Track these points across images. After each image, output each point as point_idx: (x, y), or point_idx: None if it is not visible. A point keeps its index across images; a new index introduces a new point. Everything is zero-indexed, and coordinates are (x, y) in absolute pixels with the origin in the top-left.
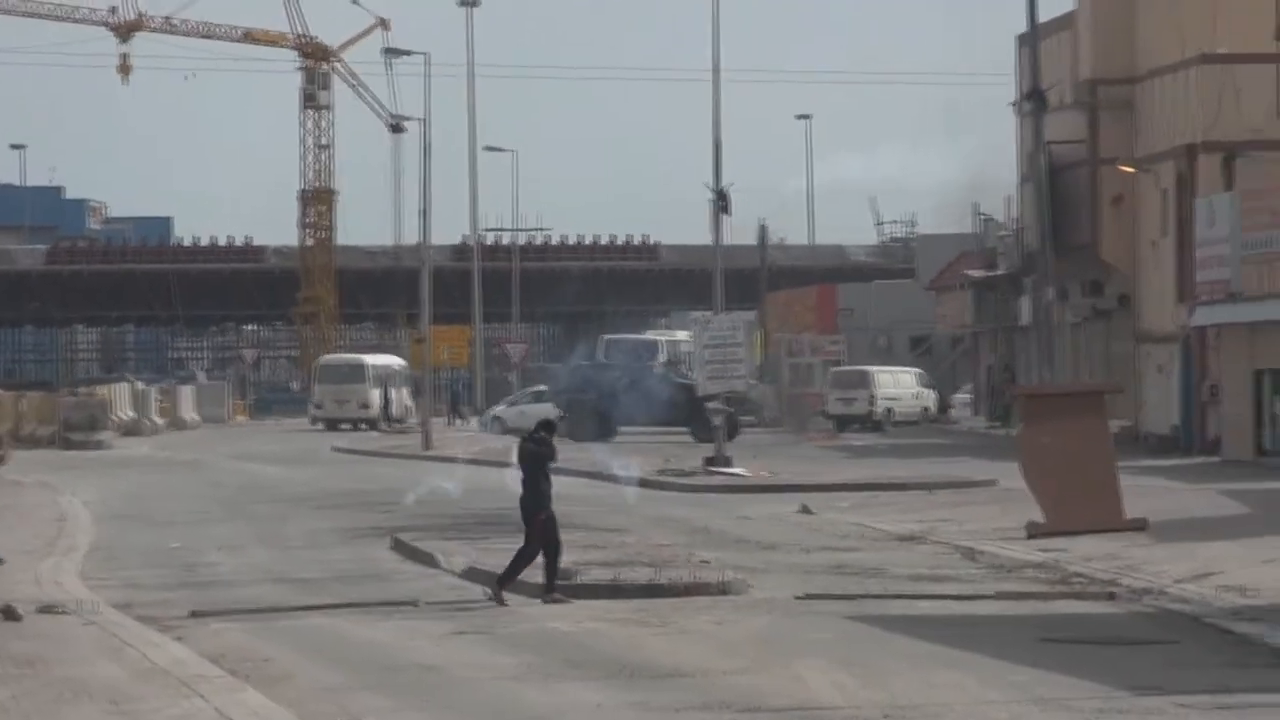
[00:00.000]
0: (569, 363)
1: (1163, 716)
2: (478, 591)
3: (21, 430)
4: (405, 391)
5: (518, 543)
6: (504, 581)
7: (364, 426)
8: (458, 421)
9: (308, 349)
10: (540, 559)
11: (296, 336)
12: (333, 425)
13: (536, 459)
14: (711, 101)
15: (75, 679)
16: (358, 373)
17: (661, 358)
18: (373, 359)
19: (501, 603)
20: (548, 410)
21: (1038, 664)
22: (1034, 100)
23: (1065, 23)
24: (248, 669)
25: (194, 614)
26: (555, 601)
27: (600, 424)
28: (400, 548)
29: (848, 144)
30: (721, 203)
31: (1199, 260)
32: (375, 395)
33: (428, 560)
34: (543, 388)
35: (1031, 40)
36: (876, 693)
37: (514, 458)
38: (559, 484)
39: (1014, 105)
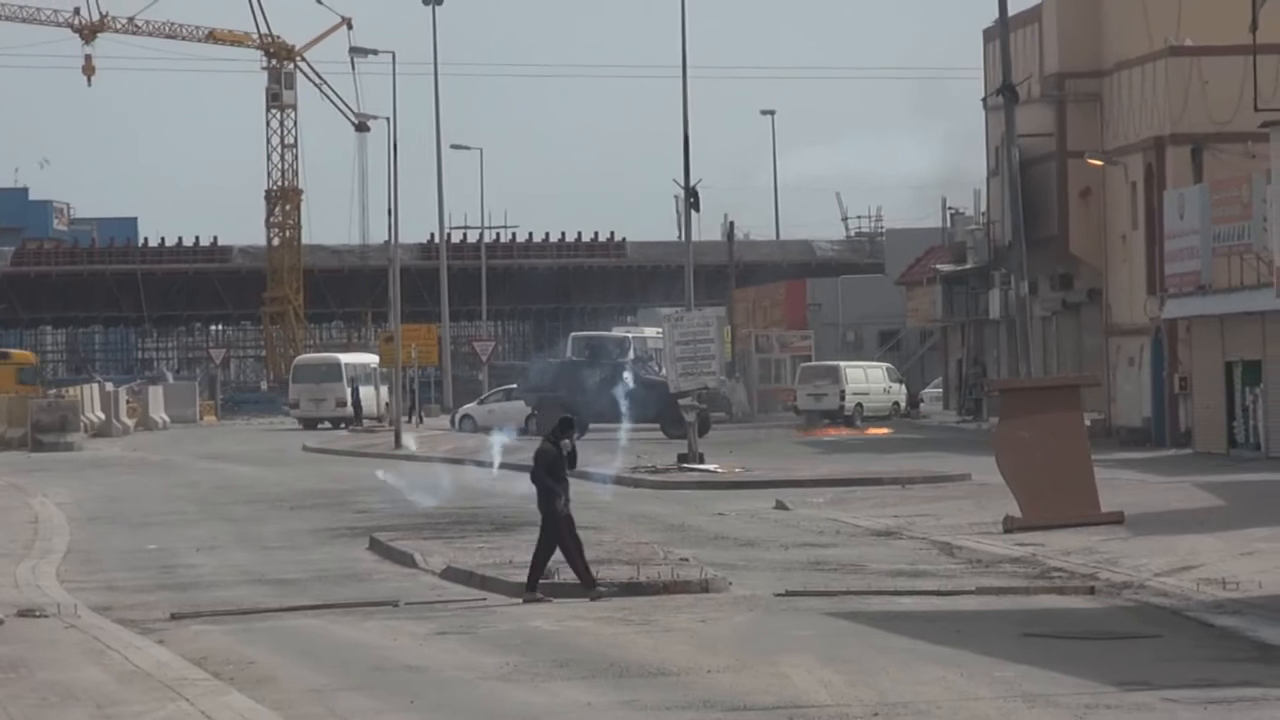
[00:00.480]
0: (538, 360)
1: (1151, 712)
2: (457, 591)
3: None
4: (385, 390)
5: (494, 541)
6: (531, 583)
7: (342, 425)
8: (415, 420)
9: (275, 348)
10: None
11: (264, 336)
12: (311, 424)
13: (555, 458)
14: (681, 98)
15: (59, 683)
16: (334, 371)
17: (630, 355)
18: (348, 357)
19: (540, 600)
20: (519, 409)
21: (1023, 659)
22: (1004, 94)
23: (1032, 16)
24: (231, 671)
25: (174, 616)
26: (535, 601)
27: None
28: (378, 548)
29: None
30: (691, 200)
31: (1169, 253)
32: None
33: (406, 560)
34: (513, 385)
35: (1001, 34)
36: (864, 690)
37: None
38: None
39: (984, 100)
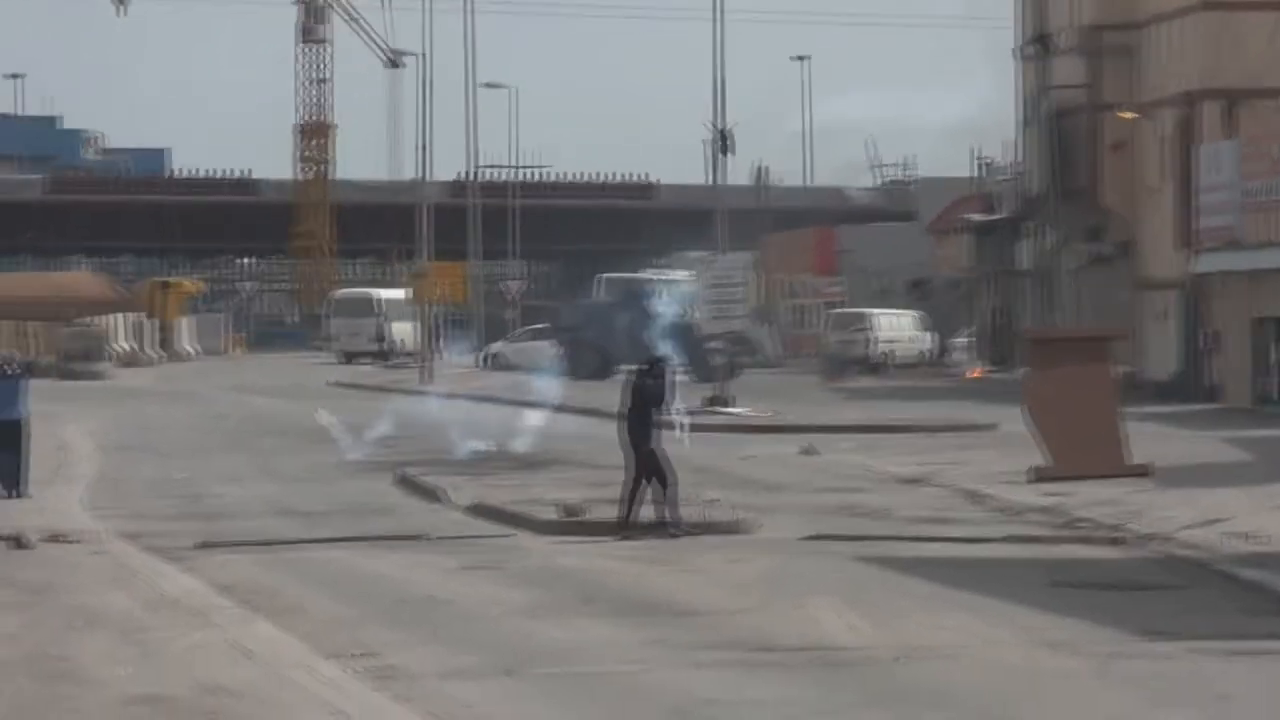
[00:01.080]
0: (569, 301)
1: (1175, 662)
2: (484, 527)
3: (18, 360)
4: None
5: (522, 479)
6: (623, 518)
7: (381, 361)
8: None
9: (304, 283)
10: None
11: (293, 270)
12: (350, 358)
13: (644, 393)
14: (714, 41)
15: (86, 608)
16: (370, 306)
17: (659, 297)
18: (384, 293)
19: (632, 538)
20: (547, 348)
21: (1047, 608)
22: (1039, 45)
23: None
24: (258, 600)
25: (201, 545)
26: (674, 535)
27: (599, 362)
28: (405, 482)
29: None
30: (723, 143)
31: (1201, 207)
32: (395, 328)
33: (433, 495)
34: (542, 325)
35: None
36: (889, 634)
37: (621, 393)
38: (563, 423)
39: (1016, 50)
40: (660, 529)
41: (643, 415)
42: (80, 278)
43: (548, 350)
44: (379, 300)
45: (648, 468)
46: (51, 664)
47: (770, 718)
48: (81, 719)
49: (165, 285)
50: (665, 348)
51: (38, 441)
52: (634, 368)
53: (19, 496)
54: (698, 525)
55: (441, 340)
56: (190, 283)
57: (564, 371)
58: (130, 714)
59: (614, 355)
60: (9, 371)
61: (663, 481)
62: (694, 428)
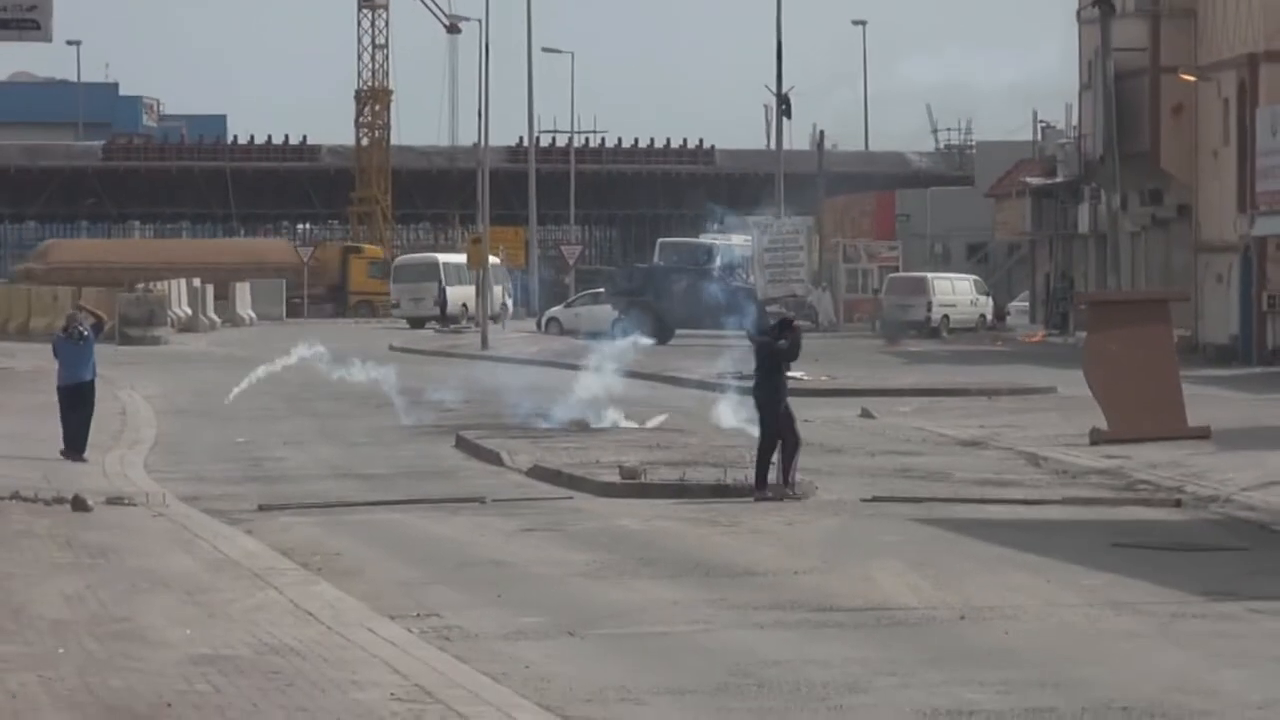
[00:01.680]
0: (626, 265)
1: (1236, 622)
2: (543, 489)
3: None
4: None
5: (580, 441)
6: (760, 481)
7: (447, 325)
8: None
9: None
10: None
11: (351, 236)
12: (418, 324)
13: (774, 355)
14: (775, 4)
15: (148, 570)
16: (432, 271)
17: (718, 261)
18: (447, 258)
19: (769, 498)
20: (605, 313)
21: (1109, 568)
22: (1100, 7)
23: None
24: (319, 562)
25: (262, 508)
26: (789, 497)
27: (658, 326)
28: (464, 445)
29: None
30: (783, 107)
31: (1260, 170)
32: (456, 292)
33: (492, 458)
34: (599, 290)
35: None
36: (950, 594)
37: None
38: (621, 386)
39: (1078, 13)
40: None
41: (773, 376)
42: (269, 244)
43: (606, 314)
44: (443, 264)
45: (780, 426)
46: (115, 625)
47: (833, 677)
48: (146, 679)
49: (353, 250)
50: (723, 311)
51: (99, 405)
52: (751, 331)
53: (83, 460)
54: (727, 487)
55: (509, 303)
56: (373, 248)
57: (624, 336)
58: (194, 673)
59: (672, 319)
60: (82, 333)
61: (789, 443)
62: (751, 390)
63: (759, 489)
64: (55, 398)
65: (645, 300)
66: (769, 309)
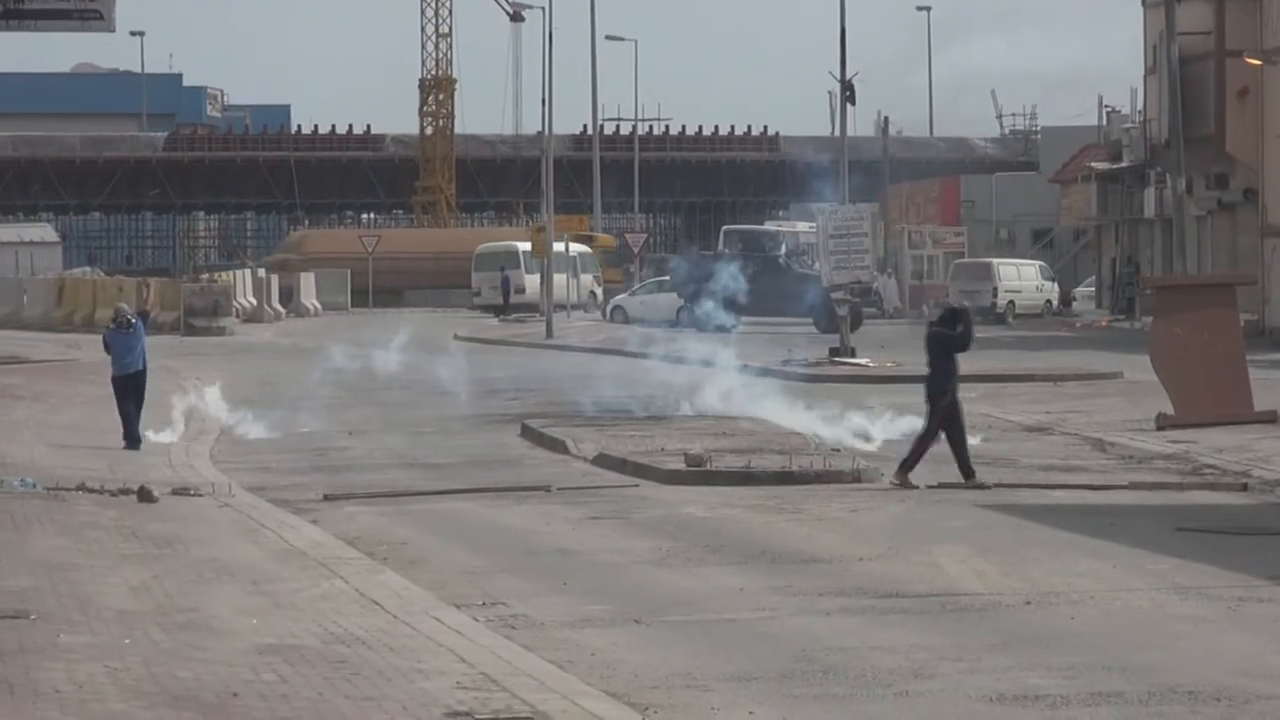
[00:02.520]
0: (692, 253)
1: None
2: (609, 477)
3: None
4: (587, 278)
5: (646, 430)
6: (907, 466)
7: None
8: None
9: None
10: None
11: (416, 225)
12: (499, 312)
13: (943, 343)
14: None
15: (215, 559)
16: (513, 259)
17: (784, 248)
18: (528, 245)
19: (908, 486)
20: (670, 301)
21: (1175, 553)
22: None
23: None
24: (384, 551)
25: (327, 497)
26: (975, 487)
27: (724, 314)
28: (529, 434)
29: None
30: (847, 93)
31: None
32: (531, 281)
33: (558, 447)
34: (664, 278)
35: None
36: (1017, 580)
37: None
38: (685, 374)
39: None
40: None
41: (945, 365)
42: (510, 232)
43: (671, 302)
44: (522, 253)
45: (945, 417)
46: (181, 615)
47: (898, 663)
48: (212, 669)
49: (585, 239)
50: (789, 298)
51: (163, 395)
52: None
53: (137, 447)
54: (824, 474)
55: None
56: (606, 237)
57: (689, 324)
58: (260, 663)
59: (738, 307)
60: (130, 322)
61: (956, 432)
62: (815, 378)
63: (901, 473)
64: (109, 390)
65: (712, 288)
66: (834, 295)
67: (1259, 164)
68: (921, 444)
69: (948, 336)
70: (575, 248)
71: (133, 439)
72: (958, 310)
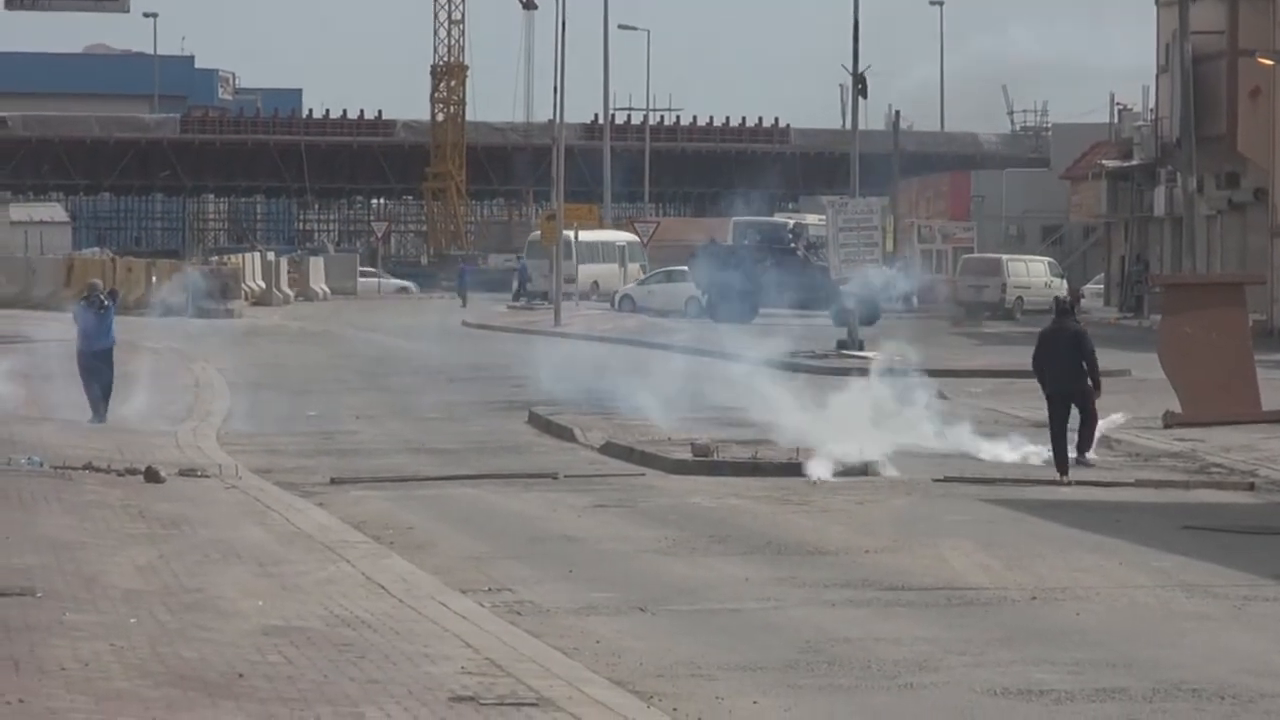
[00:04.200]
0: (710, 244)
1: None
2: (616, 466)
3: (152, 298)
4: (635, 267)
5: (653, 419)
6: (1061, 467)
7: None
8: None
9: (436, 224)
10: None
11: (425, 211)
12: (515, 297)
13: (1060, 338)
14: None
15: (221, 541)
16: (564, 248)
17: (801, 241)
18: (582, 235)
19: (1066, 483)
20: (679, 290)
21: (1181, 551)
22: None
23: None
24: (391, 536)
25: (334, 481)
26: (1084, 464)
27: (739, 305)
28: (537, 421)
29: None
30: (859, 86)
31: None
32: (581, 270)
33: (565, 434)
34: (673, 268)
35: None
36: (1022, 575)
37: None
38: (698, 364)
39: None
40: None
41: (1064, 359)
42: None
43: (680, 292)
44: (572, 243)
45: (1079, 405)
46: (187, 595)
47: (903, 655)
48: (217, 649)
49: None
50: (805, 290)
51: (171, 378)
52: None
53: (103, 421)
54: (831, 465)
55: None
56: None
57: (701, 314)
58: (266, 644)
59: (755, 299)
60: (103, 302)
61: (1087, 418)
62: (821, 370)
63: (1062, 473)
64: (121, 369)
65: (729, 279)
66: (842, 288)
67: (1270, 164)
68: (1057, 440)
69: (1079, 330)
70: (623, 236)
71: (99, 414)
72: (1066, 301)
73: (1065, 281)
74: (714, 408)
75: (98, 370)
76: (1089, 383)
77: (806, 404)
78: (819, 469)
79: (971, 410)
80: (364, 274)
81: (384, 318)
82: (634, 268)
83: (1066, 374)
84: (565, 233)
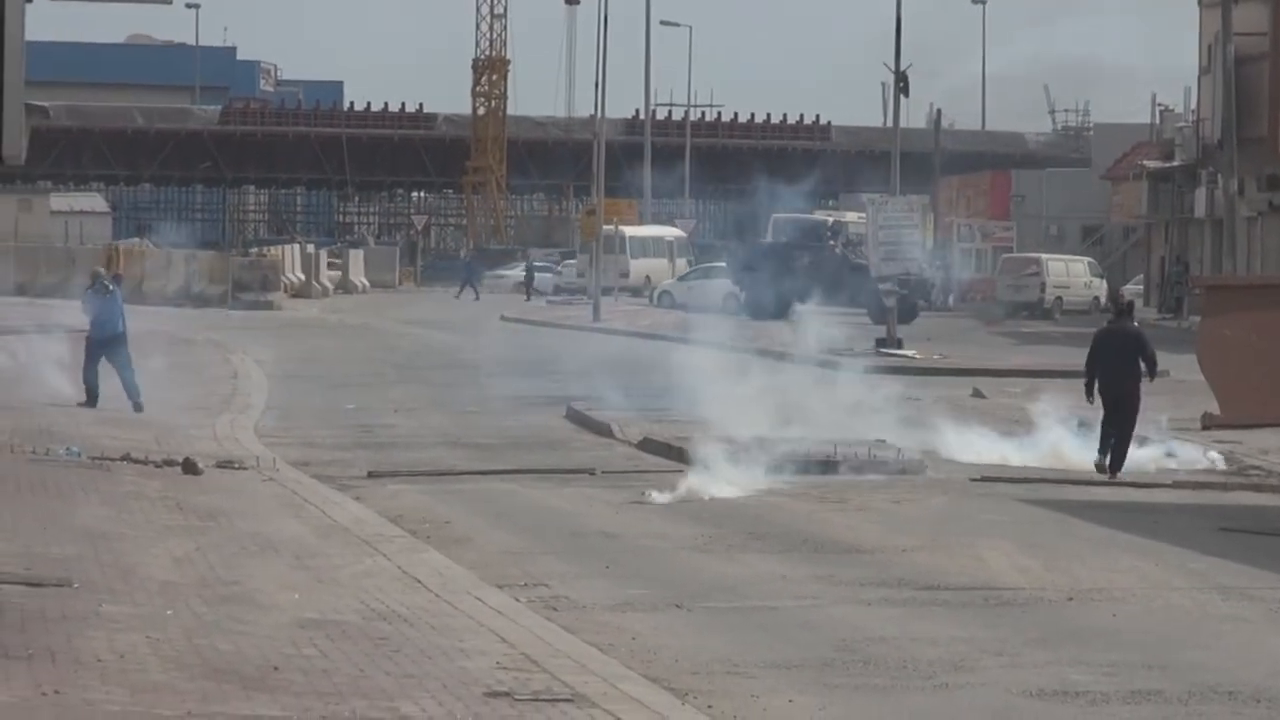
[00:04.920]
0: (748, 240)
1: None
2: (653, 462)
3: (191, 289)
4: (682, 262)
5: (690, 415)
6: (1114, 466)
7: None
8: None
9: (475, 218)
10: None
11: (465, 205)
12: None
13: (1137, 342)
14: None
15: (259, 534)
16: (616, 243)
17: (840, 238)
18: (634, 230)
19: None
20: (718, 287)
21: (1218, 553)
22: None
23: None
24: (428, 530)
25: (371, 474)
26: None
27: (778, 302)
28: (574, 416)
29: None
30: (901, 84)
31: None
32: (635, 265)
33: (603, 430)
34: (712, 264)
35: None
36: (1059, 575)
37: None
38: (731, 361)
39: None
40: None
41: (1132, 363)
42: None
43: (718, 289)
44: (629, 237)
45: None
46: (223, 587)
47: (939, 655)
48: (253, 642)
49: None
50: (843, 288)
51: (211, 369)
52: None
53: (140, 409)
54: (868, 464)
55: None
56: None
57: (740, 310)
58: (301, 637)
59: (792, 296)
60: (108, 286)
61: (1125, 436)
62: (864, 369)
63: (1100, 470)
64: (160, 360)
65: (766, 276)
66: (882, 286)
67: None
68: (1107, 441)
69: (1140, 334)
70: (671, 232)
71: (134, 398)
72: (1129, 305)
73: (1105, 282)
74: (750, 405)
75: (115, 354)
76: (1139, 386)
77: (887, 409)
78: None
79: (1002, 408)
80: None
81: (423, 311)
82: (681, 263)
83: (1120, 374)
84: (621, 229)
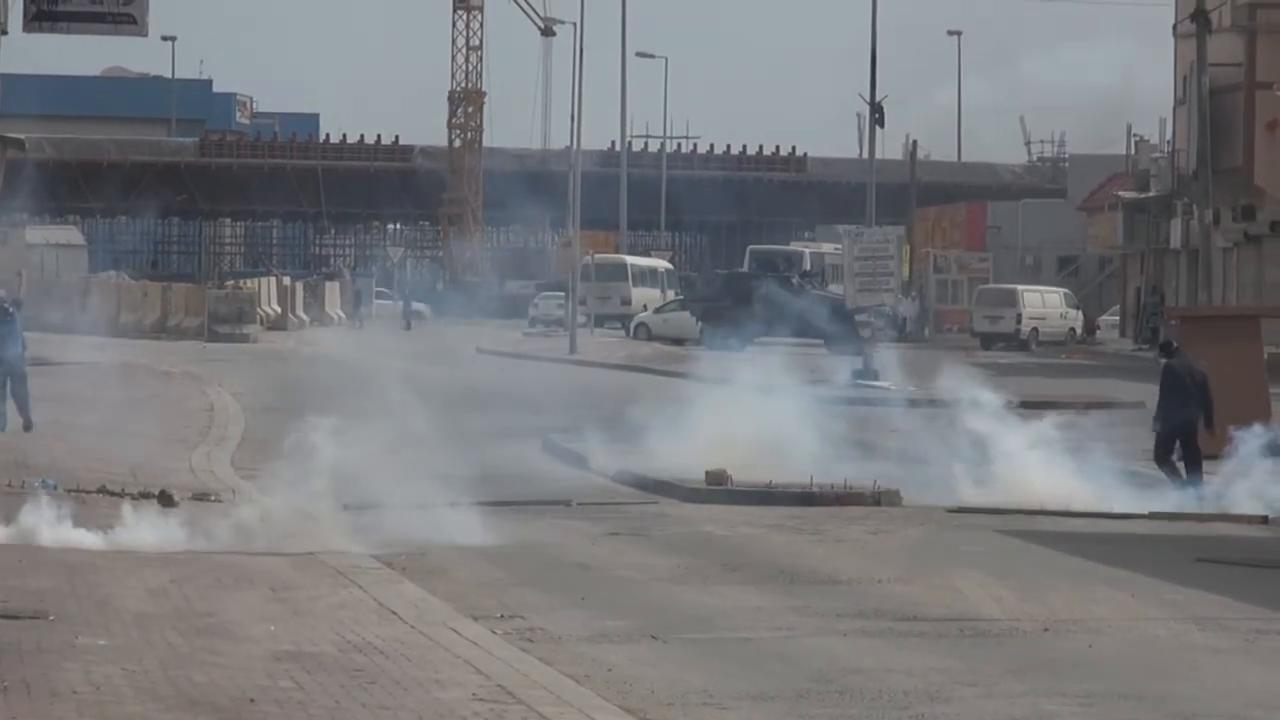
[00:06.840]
0: (705, 271)
1: None
2: (629, 494)
3: (167, 321)
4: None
5: (668, 444)
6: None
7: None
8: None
9: (451, 250)
10: None
11: (441, 237)
12: (599, 322)
13: (1177, 375)
14: (871, 13)
15: (233, 565)
16: (620, 271)
17: (801, 269)
18: (635, 260)
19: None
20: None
21: (1193, 584)
22: (1196, 22)
23: None
24: (403, 562)
25: (346, 506)
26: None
27: (735, 333)
28: (551, 448)
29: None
30: (876, 115)
31: None
32: (637, 293)
33: (579, 461)
34: (682, 296)
35: None
36: (1035, 606)
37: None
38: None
39: (1175, 27)
40: None
41: (1191, 399)
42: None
43: (694, 320)
44: (630, 266)
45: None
46: (199, 619)
47: (915, 686)
48: (229, 674)
49: None
50: (800, 318)
51: (187, 401)
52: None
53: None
54: (845, 495)
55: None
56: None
57: (699, 341)
58: (277, 669)
59: (749, 327)
60: (6, 310)
61: (1192, 460)
62: (837, 400)
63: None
64: (137, 393)
65: (723, 307)
66: (858, 318)
67: None
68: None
69: (1198, 368)
70: (660, 263)
71: (28, 424)
72: (1169, 344)
73: (1081, 313)
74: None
75: (8, 379)
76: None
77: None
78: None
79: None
80: (380, 295)
81: (399, 343)
82: (671, 294)
83: (1185, 409)
84: (625, 259)
